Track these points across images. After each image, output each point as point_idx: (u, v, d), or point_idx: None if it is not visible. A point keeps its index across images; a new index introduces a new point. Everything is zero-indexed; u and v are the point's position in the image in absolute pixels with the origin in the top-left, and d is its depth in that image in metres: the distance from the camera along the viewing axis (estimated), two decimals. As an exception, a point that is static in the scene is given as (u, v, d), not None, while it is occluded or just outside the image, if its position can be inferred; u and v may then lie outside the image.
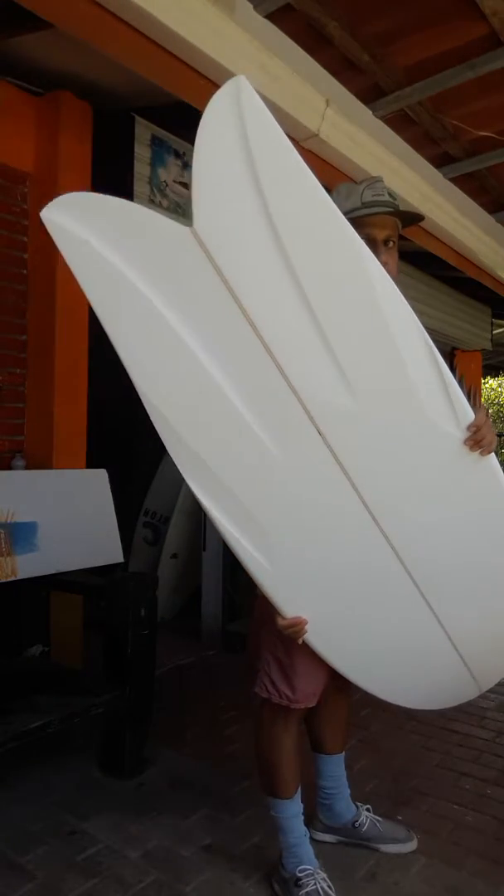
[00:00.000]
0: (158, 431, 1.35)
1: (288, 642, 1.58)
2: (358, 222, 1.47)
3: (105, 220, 1.25)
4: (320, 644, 1.50)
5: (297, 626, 1.45)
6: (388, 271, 1.42)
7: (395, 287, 1.35)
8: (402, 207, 1.62)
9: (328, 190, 1.62)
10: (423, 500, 1.42)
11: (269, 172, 1.24)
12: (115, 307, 1.29)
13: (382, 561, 1.44)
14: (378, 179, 1.58)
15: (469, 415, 1.39)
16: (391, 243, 1.56)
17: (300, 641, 1.48)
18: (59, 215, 1.24)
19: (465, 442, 1.39)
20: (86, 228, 1.24)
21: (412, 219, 1.65)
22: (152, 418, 1.33)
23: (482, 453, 1.40)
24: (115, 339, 1.30)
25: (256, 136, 1.23)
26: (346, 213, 1.44)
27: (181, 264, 1.28)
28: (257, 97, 1.23)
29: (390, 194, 1.57)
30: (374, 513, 1.40)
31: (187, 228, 1.26)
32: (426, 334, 1.36)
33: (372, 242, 1.49)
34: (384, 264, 1.42)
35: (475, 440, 1.39)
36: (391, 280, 1.36)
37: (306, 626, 1.46)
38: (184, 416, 1.33)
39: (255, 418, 1.33)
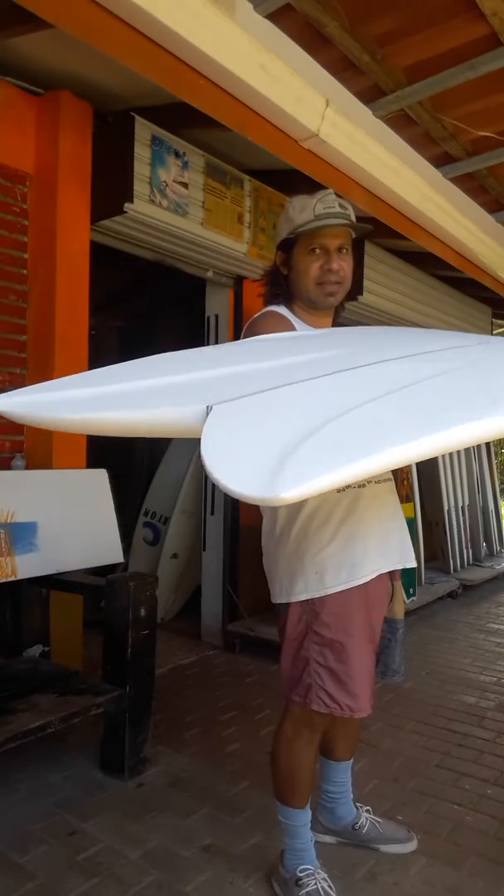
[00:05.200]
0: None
1: (338, 648, 1.56)
2: (312, 234, 1.62)
3: None
4: None
5: None
6: (344, 275, 1.66)
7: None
8: (396, 205, 1.67)
9: (326, 187, 1.66)
10: None
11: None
12: None
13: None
14: (329, 192, 1.66)
15: None
16: (344, 250, 1.67)
17: None
18: None
19: None
20: None
21: (362, 228, 1.73)
22: None
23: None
24: None
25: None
26: (300, 226, 1.62)
27: None
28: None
29: (341, 205, 1.65)
30: None
31: None
32: None
33: (325, 251, 1.64)
34: (339, 269, 1.64)
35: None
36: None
37: None
38: None
39: None
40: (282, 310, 1.69)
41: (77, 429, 1.20)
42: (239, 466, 0.85)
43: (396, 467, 0.95)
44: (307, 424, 0.95)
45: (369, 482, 1.61)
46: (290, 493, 0.77)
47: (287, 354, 1.32)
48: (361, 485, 1.59)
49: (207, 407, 0.99)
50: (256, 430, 0.96)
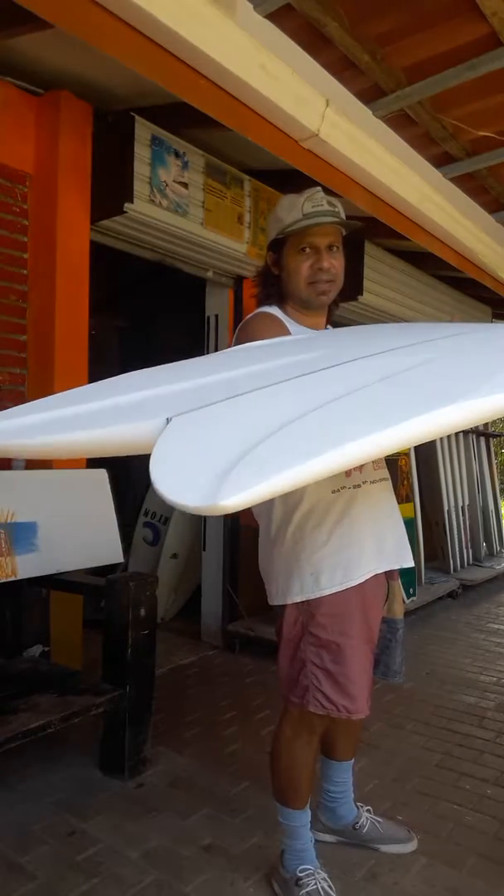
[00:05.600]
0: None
1: (335, 649, 1.55)
2: (302, 233, 1.60)
3: None
4: None
5: None
6: (336, 273, 1.64)
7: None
8: (396, 205, 1.66)
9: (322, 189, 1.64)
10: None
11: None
12: None
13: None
14: (317, 191, 1.64)
15: None
16: (335, 248, 1.65)
17: None
18: None
19: None
20: None
21: (352, 225, 1.71)
22: None
23: None
24: None
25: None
26: (288, 226, 1.60)
27: None
28: None
29: (330, 203, 1.63)
30: None
31: None
32: None
33: (315, 249, 1.62)
34: (330, 268, 1.62)
35: None
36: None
37: None
38: None
39: None
40: (274, 310, 1.67)
41: (38, 454, 1.15)
42: (181, 476, 0.83)
43: (350, 467, 0.93)
44: (259, 431, 0.92)
45: (365, 482, 1.61)
46: (229, 500, 0.75)
47: (259, 361, 1.30)
48: (357, 485, 1.59)
49: (167, 419, 0.97)
50: (207, 439, 0.94)
